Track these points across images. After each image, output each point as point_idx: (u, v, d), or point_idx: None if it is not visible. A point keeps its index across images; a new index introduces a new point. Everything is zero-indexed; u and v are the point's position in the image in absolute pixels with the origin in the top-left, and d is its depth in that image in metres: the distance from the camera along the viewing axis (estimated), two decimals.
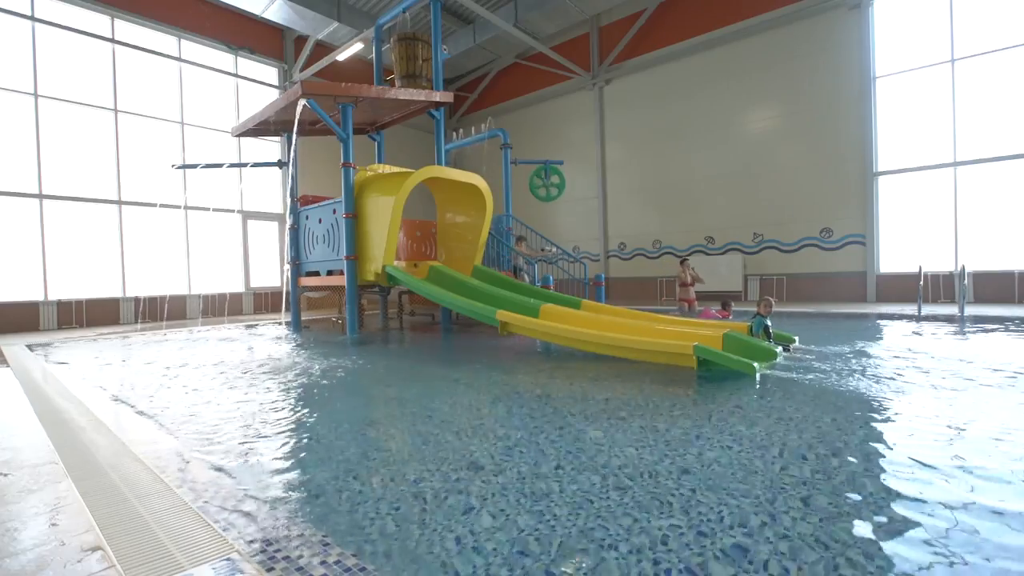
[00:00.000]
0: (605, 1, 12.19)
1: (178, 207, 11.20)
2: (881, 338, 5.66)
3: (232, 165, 10.26)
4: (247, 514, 1.73)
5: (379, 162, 8.72)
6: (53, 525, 1.68)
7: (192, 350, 6.21)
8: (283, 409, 3.30)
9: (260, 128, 8.37)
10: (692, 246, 12.25)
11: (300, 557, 1.43)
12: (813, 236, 10.66)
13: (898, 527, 1.57)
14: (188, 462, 2.29)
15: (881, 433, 2.52)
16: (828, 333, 6.03)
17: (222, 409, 3.28)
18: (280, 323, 9.32)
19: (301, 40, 13.08)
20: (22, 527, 1.67)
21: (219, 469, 2.19)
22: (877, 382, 3.52)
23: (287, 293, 8.30)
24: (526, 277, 8.78)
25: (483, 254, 8.06)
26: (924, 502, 1.73)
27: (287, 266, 8.15)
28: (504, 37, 13.21)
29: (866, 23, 9.93)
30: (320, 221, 7.52)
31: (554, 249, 10.95)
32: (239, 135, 8.71)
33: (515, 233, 9.56)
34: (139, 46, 10.83)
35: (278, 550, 1.48)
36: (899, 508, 1.70)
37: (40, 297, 9.46)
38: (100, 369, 5.08)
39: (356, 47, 11.79)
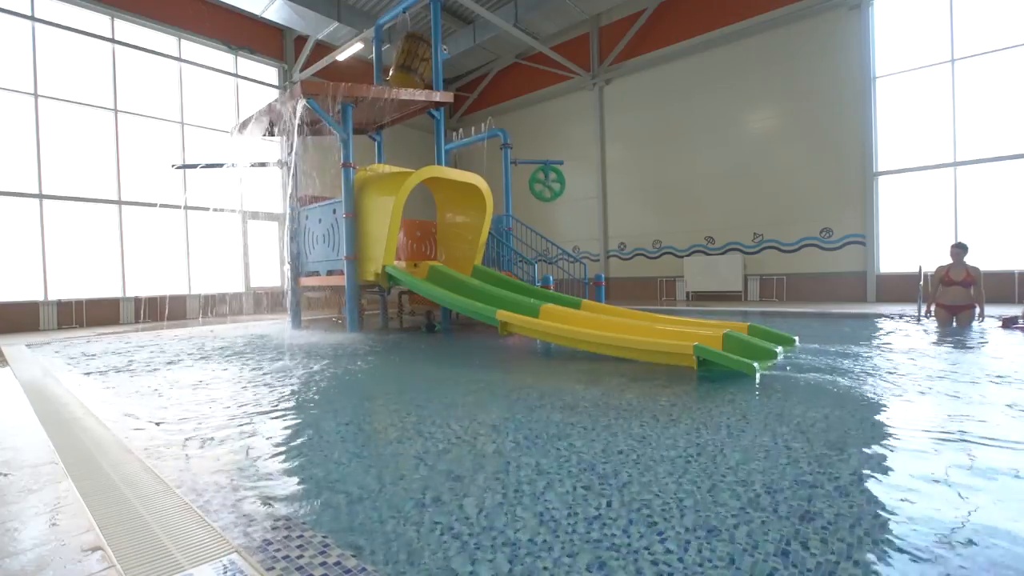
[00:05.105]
0: (605, 1, 12.19)
1: (178, 207, 11.20)
2: (881, 338, 5.66)
3: (232, 165, 10.25)
4: (247, 514, 1.73)
5: (379, 162, 8.73)
6: (53, 525, 1.67)
7: (192, 350, 6.20)
8: (283, 409, 3.30)
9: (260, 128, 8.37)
10: (692, 246, 12.25)
11: (300, 557, 1.43)
12: (813, 236, 10.66)
13: (898, 529, 1.57)
14: (188, 462, 2.29)
15: (881, 434, 2.52)
16: (828, 333, 6.03)
17: (222, 409, 3.28)
18: (280, 323, 9.31)
19: (301, 40, 13.08)
20: (22, 527, 1.67)
21: (219, 470, 2.19)
22: (877, 383, 3.52)
23: (287, 293, 8.29)
24: None
25: (483, 254, 8.07)
26: (923, 504, 1.73)
27: (287, 266, 8.15)
28: (504, 37, 13.21)
29: (866, 23, 9.93)
30: (320, 221, 7.52)
31: None
32: (239, 135, 8.70)
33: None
34: (139, 46, 10.83)
35: (278, 550, 1.48)
36: (899, 510, 1.70)
37: (40, 297, 9.46)
38: (100, 369, 5.08)
39: (356, 47, 11.79)
